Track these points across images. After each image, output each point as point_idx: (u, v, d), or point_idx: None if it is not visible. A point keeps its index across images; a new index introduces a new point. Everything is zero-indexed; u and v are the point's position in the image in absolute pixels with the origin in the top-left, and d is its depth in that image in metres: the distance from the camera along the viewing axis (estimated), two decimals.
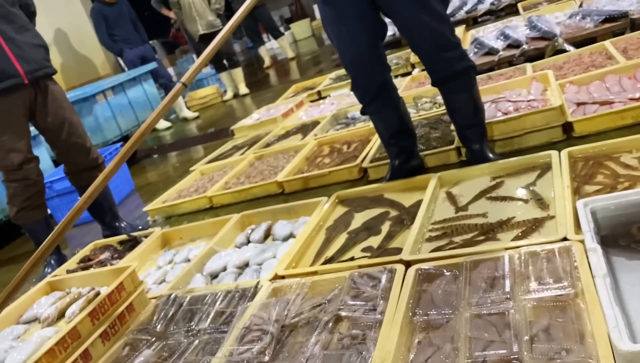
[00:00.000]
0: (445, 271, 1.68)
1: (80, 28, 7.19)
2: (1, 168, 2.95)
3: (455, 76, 2.24)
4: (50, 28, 6.99)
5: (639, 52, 2.97)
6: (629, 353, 0.99)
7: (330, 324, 1.63)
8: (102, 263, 2.79)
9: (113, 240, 3.01)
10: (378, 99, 2.41)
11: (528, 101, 2.70)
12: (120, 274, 2.05)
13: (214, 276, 2.27)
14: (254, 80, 8.76)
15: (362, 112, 2.53)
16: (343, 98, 4.60)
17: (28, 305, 2.26)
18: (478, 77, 3.52)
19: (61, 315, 2.12)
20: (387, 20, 2.38)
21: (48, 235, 3.08)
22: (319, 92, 5.19)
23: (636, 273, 1.32)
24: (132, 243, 2.91)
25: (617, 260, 1.38)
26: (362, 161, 2.93)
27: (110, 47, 6.54)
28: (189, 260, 2.49)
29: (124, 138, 5.10)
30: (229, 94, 7.39)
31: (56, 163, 4.35)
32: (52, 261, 3.08)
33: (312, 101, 5.09)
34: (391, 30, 5.83)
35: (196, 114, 7.02)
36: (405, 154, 2.54)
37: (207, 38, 6.42)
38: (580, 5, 4.05)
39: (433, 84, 2.34)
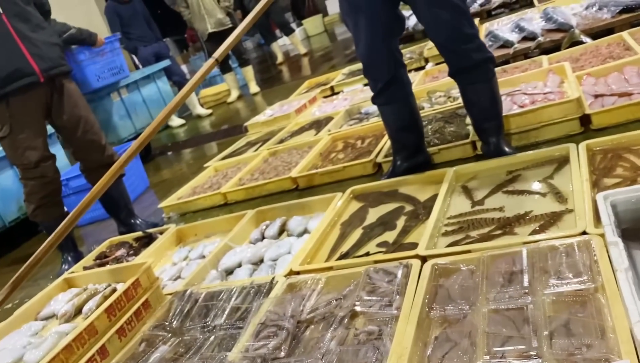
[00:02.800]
0: (462, 266, 1.66)
1: (94, 27, 7.19)
2: (19, 166, 2.98)
3: (473, 67, 2.22)
4: None
5: None
6: None
7: (346, 320, 1.62)
8: (118, 260, 2.81)
9: (129, 237, 3.03)
10: (386, 91, 2.41)
11: (545, 93, 2.66)
12: (136, 271, 2.06)
13: (229, 272, 2.27)
14: (267, 76, 8.76)
15: (372, 101, 2.54)
16: (356, 93, 4.58)
17: (45, 301, 2.28)
18: None
19: (78, 311, 2.14)
20: (406, 13, 2.38)
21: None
22: (332, 88, 5.17)
23: None
24: (148, 240, 2.93)
25: (638, 253, 1.35)
26: (377, 156, 2.91)
27: (124, 45, 6.56)
28: (204, 256, 2.50)
29: (139, 136, 5.11)
30: (234, 96, 7.30)
31: (72, 161, 4.38)
32: (69, 258, 3.11)
33: (325, 97, 5.07)
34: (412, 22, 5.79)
35: (209, 111, 7.03)
36: (408, 150, 2.54)
37: (216, 36, 6.41)
38: None
39: (450, 75, 2.33)
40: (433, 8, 2.16)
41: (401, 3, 2.35)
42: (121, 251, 2.89)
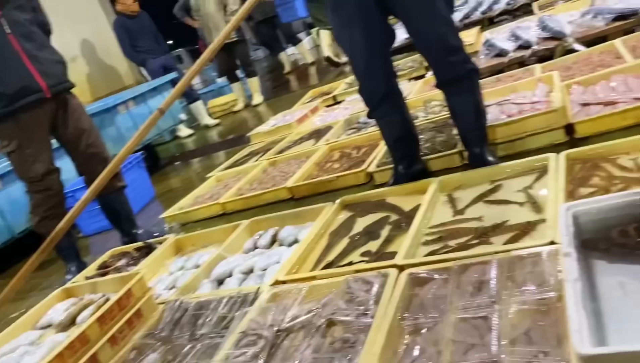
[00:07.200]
0: (435, 275, 1.71)
1: (104, 39, 7.41)
2: (25, 179, 3.10)
3: (458, 79, 2.28)
4: (76, 40, 7.22)
5: None
6: (588, 357, 1.02)
7: (324, 328, 1.68)
8: (118, 270, 2.90)
9: (130, 247, 3.12)
10: (384, 103, 2.46)
11: (532, 103, 2.70)
12: (128, 281, 2.13)
13: (221, 281, 2.34)
14: (276, 85, 8.87)
15: (369, 115, 2.59)
16: (357, 103, 4.62)
17: (44, 311, 2.37)
18: (487, 79, 3.55)
19: (73, 320, 2.23)
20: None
21: (69, 243, 3.26)
22: (334, 97, 5.23)
23: (615, 277, 1.34)
24: (148, 250, 3.02)
25: (598, 263, 1.39)
26: (368, 166, 2.96)
27: (133, 58, 6.72)
28: (198, 266, 2.57)
29: (146, 148, 5.24)
30: (240, 105, 7.44)
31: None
32: (73, 268, 3.21)
33: (327, 106, 5.13)
34: (406, 34, 5.83)
35: (217, 121, 7.14)
36: (408, 159, 2.58)
37: (222, 48, 6.54)
38: (592, 4, 4.00)
39: (437, 86, 2.39)
40: (422, 21, 2.22)
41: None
42: (122, 262, 2.98)
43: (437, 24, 2.21)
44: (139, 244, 3.10)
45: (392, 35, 2.42)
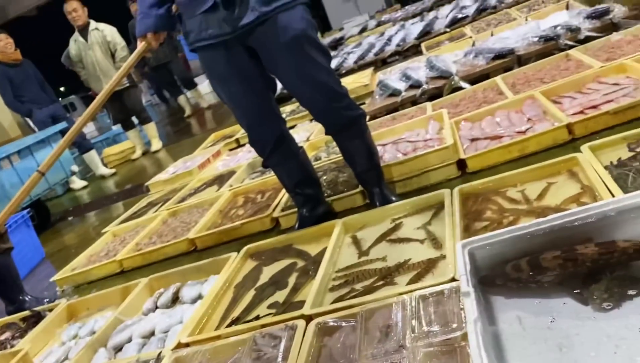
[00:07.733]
0: (343, 323, 1.67)
1: None
2: None
3: (346, 125, 2.31)
4: None
5: (525, 86, 3.16)
6: None
7: None
8: (2, 345, 2.61)
9: (15, 317, 2.83)
10: (277, 151, 2.43)
11: (425, 140, 2.80)
12: (10, 360, 1.91)
13: (119, 348, 2.16)
14: (175, 129, 8.67)
15: (264, 165, 2.55)
16: None
17: None
18: (384, 118, 3.67)
19: None
20: None
21: None
22: (237, 140, 5.15)
23: (513, 312, 1.37)
24: (36, 319, 2.74)
25: (496, 299, 1.42)
26: (273, 210, 2.91)
27: (17, 109, 6.30)
28: (94, 333, 2.36)
29: (34, 204, 4.87)
30: (138, 153, 7.23)
31: None
32: None
33: (230, 150, 5.05)
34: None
35: (113, 170, 6.82)
36: (311, 202, 2.57)
37: (113, 96, 6.31)
38: (473, 44, 4.28)
39: (327, 134, 2.40)
40: (303, 71, 2.19)
41: None
42: (6, 335, 2.69)
43: (320, 74, 2.21)
44: (26, 313, 2.81)
45: (272, 84, 2.39)
